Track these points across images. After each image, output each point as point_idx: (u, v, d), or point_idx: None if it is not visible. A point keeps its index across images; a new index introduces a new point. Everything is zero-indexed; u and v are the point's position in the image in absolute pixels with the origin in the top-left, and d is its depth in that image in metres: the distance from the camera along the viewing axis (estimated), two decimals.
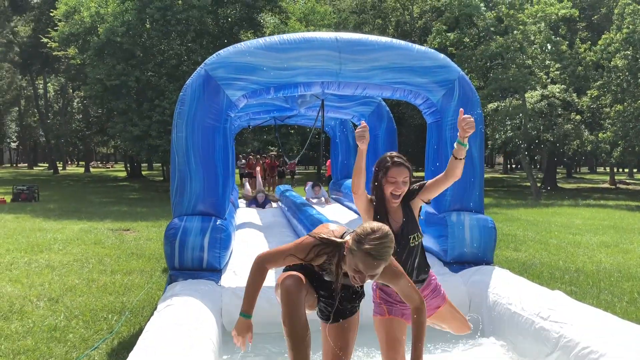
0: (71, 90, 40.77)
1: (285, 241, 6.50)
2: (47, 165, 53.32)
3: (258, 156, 24.80)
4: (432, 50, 5.88)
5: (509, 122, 23.02)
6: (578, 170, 55.85)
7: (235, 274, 5.16)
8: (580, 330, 3.41)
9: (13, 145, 60.56)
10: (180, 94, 5.32)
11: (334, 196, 11.74)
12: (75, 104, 43.02)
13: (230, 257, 5.58)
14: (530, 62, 22.44)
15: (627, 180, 38.57)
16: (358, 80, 5.52)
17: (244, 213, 9.42)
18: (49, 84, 44.15)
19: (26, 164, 59.44)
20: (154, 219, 13.41)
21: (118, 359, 4.23)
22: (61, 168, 47.59)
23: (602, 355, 3.10)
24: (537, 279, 6.67)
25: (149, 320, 3.95)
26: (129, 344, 4.34)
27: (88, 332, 5.01)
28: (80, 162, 67.18)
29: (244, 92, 5.31)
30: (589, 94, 24.48)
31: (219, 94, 5.20)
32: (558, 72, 23.95)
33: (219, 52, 5.38)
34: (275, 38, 5.39)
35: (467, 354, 4.10)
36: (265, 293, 4.55)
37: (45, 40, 26.57)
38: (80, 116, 41.55)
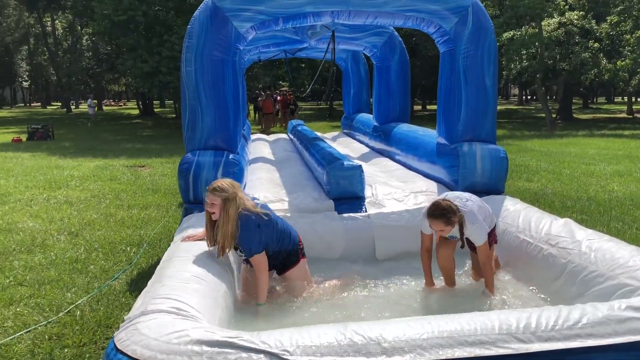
0: (79, 27, 40.23)
1: (297, 175, 6.56)
2: (60, 104, 53.31)
3: (268, 92, 24.61)
4: None
5: (525, 52, 22.44)
6: (595, 100, 54.87)
7: None
8: (587, 256, 3.46)
9: (25, 84, 60.41)
10: (188, 27, 5.24)
11: (345, 131, 11.66)
12: (84, 41, 42.52)
13: (243, 190, 5.64)
14: None
15: None
16: (369, 9, 5.37)
17: (257, 147, 9.44)
18: (57, 21, 43.55)
19: (39, 103, 59.54)
20: (167, 155, 13.54)
21: (137, 288, 4.39)
22: (74, 107, 47.67)
23: (608, 278, 3.16)
24: (548, 208, 6.71)
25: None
26: (147, 274, 4.49)
27: (108, 264, 5.19)
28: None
29: (252, 24, 5.22)
30: (608, 20, 23.69)
31: (227, 26, 5.11)
32: None
33: None
34: None
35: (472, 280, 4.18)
36: None
37: None
38: (90, 53, 41.11)
